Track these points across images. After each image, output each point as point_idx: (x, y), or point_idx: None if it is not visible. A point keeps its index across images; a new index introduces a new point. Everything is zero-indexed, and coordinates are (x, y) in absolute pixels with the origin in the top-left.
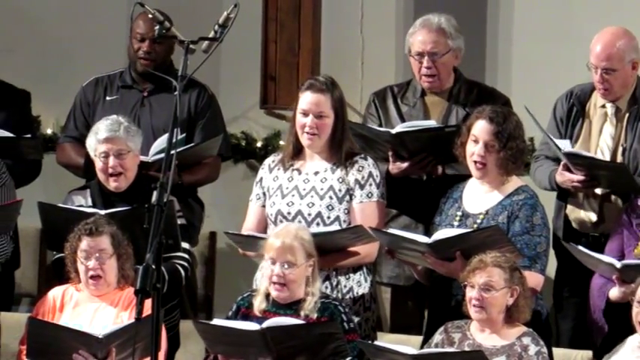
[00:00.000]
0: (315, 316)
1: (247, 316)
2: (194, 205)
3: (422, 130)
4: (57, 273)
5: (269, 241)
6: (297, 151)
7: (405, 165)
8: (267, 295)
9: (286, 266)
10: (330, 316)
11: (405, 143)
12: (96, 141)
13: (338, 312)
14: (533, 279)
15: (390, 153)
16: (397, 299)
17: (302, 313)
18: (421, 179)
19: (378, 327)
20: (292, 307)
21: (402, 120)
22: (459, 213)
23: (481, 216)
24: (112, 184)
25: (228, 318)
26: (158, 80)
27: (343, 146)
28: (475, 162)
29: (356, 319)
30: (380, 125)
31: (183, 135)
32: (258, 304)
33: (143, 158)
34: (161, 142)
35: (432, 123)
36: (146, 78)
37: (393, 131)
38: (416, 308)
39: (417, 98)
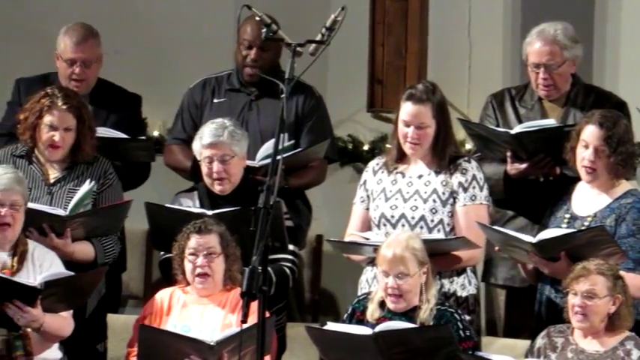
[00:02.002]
0: (431, 324)
1: (362, 320)
2: (302, 208)
3: (541, 130)
4: (163, 273)
5: (381, 253)
6: (401, 155)
7: (523, 166)
8: (382, 303)
9: (400, 277)
10: (446, 323)
11: (523, 144)
12: (200, 146)
13: (454, 319)
14: (638, 282)
15: (508, 154)
16: (511, 301)
17: (418, 321)
18: (538, 180)
19: (492, 330)
20: (408, 314)
21: (520, 122)
22: (568, 215)
23: (589, 218)
24: (216, 188)
25: (343, 320)
26: (266, 84)
27: (446, 151)
28: (585, 167)
29: None
30: (497, 127)
31: (292, 142)
32: (372, 312)
33: (250, 163)
34: (268, 146)
35: (551, 122)
36: (254, 82)
37: (512, 132)
38: (530, 310)
39: (535, 101)
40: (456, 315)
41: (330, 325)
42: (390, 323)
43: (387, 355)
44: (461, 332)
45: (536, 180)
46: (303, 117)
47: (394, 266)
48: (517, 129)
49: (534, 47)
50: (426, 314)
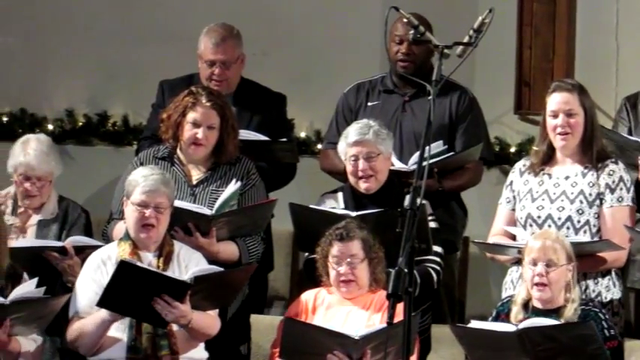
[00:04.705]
0: None
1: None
2: (457, 210)
3: None
4: (308, 274)
5: (529, 244)
6: (548, 157)
7: None
8: (525, 305)
9: (548, 265)
10: (590, 321)
11: None
12: (346, 145)
13: (599, 319)
14: None
15: (639, 161)
16: None
17: (562, 320)
18: None
19: (627, 332)
20: (552, 314)
21: None
22: None
23: None
24: (362, 186)
25: None
26: (419, 84)
27: (594, 146)
28: None
29: None
30: (630, 129)
31: (445, 147)
32: (516, 314)
33: (402, 167)
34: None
35: None
36: (408, 82)
37: None
38: None
39: None
40: (601, 314)
41: (474, 323)
42: (534, 320)
43: (532, 352)
44: (605, 332)
45: None
46: (457, 118)
47: (543, 254)
48: None
49: None
50: (570, 313)
